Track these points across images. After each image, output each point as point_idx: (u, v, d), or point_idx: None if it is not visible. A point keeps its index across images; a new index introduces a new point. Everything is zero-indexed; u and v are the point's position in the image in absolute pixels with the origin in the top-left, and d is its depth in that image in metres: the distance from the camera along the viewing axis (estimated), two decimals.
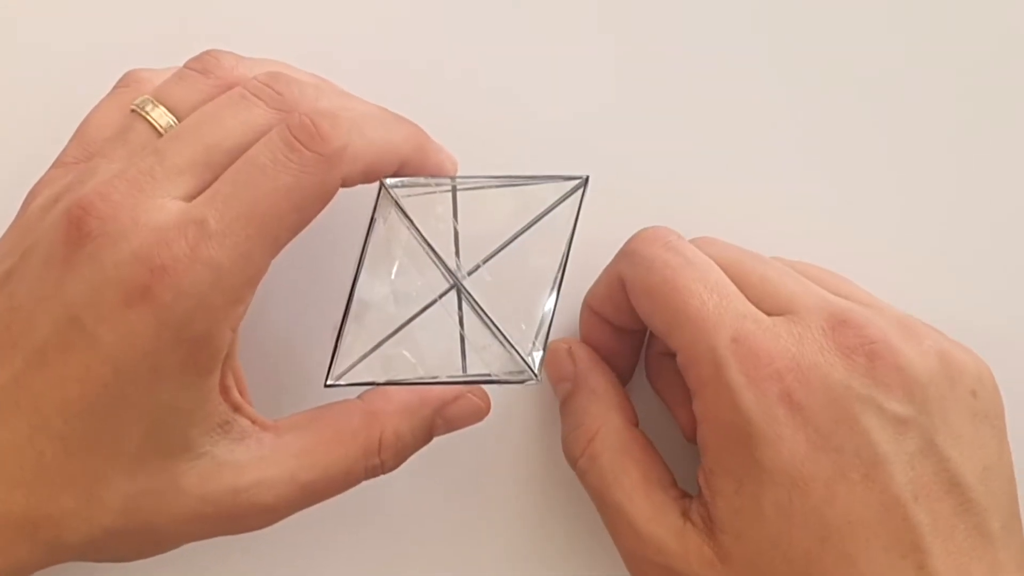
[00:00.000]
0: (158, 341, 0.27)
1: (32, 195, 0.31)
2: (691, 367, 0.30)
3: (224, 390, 0.29)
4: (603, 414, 0.33)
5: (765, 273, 0.31)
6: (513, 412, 0.37)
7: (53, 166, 0.31)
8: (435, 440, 0.33)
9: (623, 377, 0.35)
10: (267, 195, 0.27)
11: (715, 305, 0.30)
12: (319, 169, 0.28)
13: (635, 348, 0.35)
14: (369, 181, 0.30)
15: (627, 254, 0.32)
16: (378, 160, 0.30)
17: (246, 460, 0.29)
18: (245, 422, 0.30)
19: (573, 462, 0.33)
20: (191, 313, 0.27)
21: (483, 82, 0.38)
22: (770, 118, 0.38)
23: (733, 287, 0.31)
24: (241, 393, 0.30)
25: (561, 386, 0.35)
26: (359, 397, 0.32)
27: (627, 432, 0.33)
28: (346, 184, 0.29)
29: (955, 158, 0.38)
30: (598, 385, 0.34)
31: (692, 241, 0.33)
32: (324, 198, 0.29)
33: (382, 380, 0.31)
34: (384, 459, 0.31)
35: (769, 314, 0.30)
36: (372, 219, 0.30)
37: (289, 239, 0.28)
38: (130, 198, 0.27)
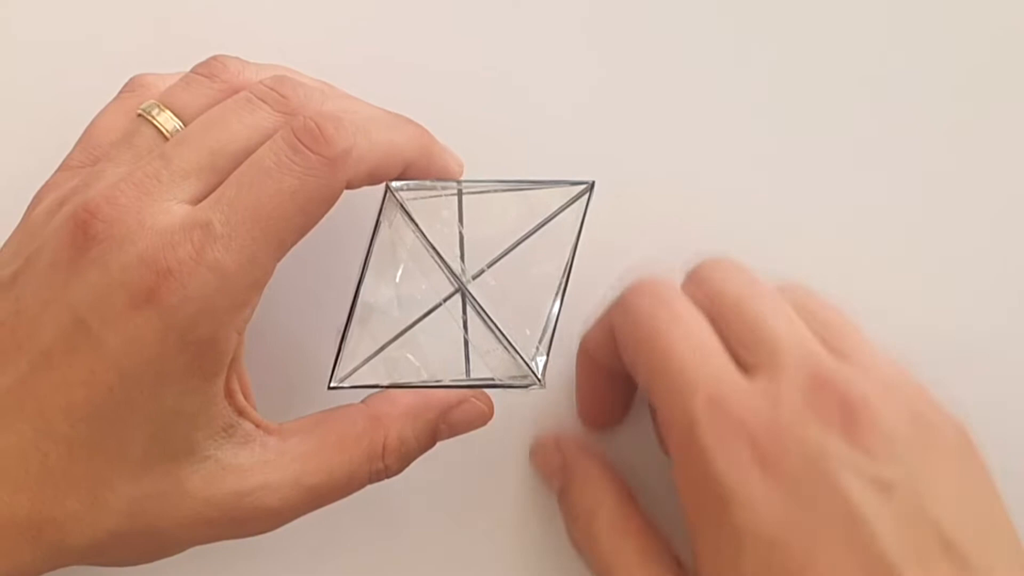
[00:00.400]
0: (163, 344, 0.27)
1: (37, 199, 0.31)
2: (668, 429, 0.30)
3: (229, 394, 0.29)
4: (597, 496, 0.33)
5: (758, 315, 0.30)
6: (516, 416, 0.37)
7: (58, 170, 0.31)
8: (438, 444, 0.33)
9: (616, 419, 0.35)
10: (272, 198, 0.27)
11: (695, 366, 0.29)
12: (323, 172, 0.28)
13: (629, 391, 0.35)
14: (375, 183, 0.30)
15: (619, 303, 0.32)
16: (383, 162, 0.30)
17: (250, 464, 0.29)
18: (249, 426, 0.30)
19: (578, 549, 0.33)
20: (197, 316, 0.27)
21: (484, 82, 0.38)
22: (775, 118, 0.38)
23: (716, 344, 0.30)
24: (246, 397, 0.30)
25: (554, 480, 0.35)
26: (363, 401, 0.32)
27: (622, 510, 0.32)
28: (351, 186, 0.29)
29: (955, 159, 0.38)
30: (588, 471, 0.34)
31: (698, 267, 0.32)
32: (329, 200, 0.29)
33: (386, 383, 0.31)
34: (388, 464, 0.31)
35: (752, 364, 0.29)
36: (377, 222, 0.30)
37: (295, 241, 0.28)
38: (136, 201, 0.27)
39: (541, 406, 0.37)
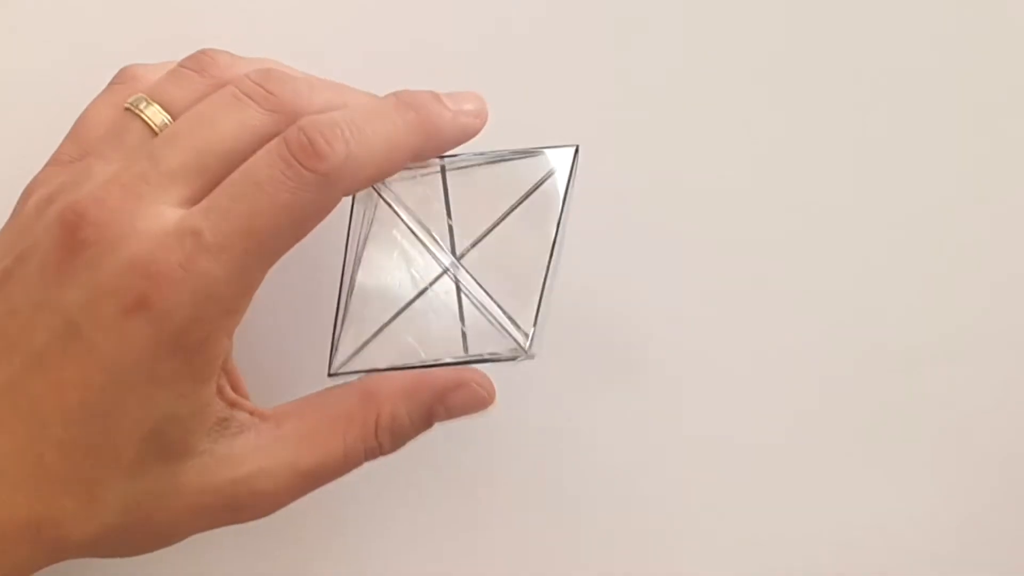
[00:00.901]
0: (155, 350, 0.27)
1: (27, 193, 0.30)
2: None
3: (218, 390, 0.29)
4: None
5: None
6: (512, 409, 0.37)
7: (48, 164, 0.31)
8: (434, 440, 0.33)
9: None
10: (264, 211, 0.27)
11: None
12: (318, 187, 0.27)
13: None
14: (384, 179, 0.30)
15: None
16: (384, 165, 0.29)
17: (244, 452, 0.29)
18: (243, 415, 0.30)
19: None
20: (187, 323, 0.27)
21: (477, 58, 0.38)
22: (767, 90, 0.38)
23: None
24: (236, 388, 0.30)
25: None
26: (359, 380, 0.32)
27: None
28: (353, 192, 0.29)
29: (955, 159, 0.38)
30: None
31: None
32: (323, 213, 0.28)
33: (384, 366, 0.31)
34: (381, 442, 0.31)
35: None
36: (352, 205, 0.30)
37: (287, 250, 0.28)
38: (125, 203, 0.27)
39: (537, 398, 0.37)
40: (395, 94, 0.30)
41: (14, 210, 0.31)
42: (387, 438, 0.31)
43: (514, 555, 0.37)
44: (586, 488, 0.37)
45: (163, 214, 0.27)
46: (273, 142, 0.28)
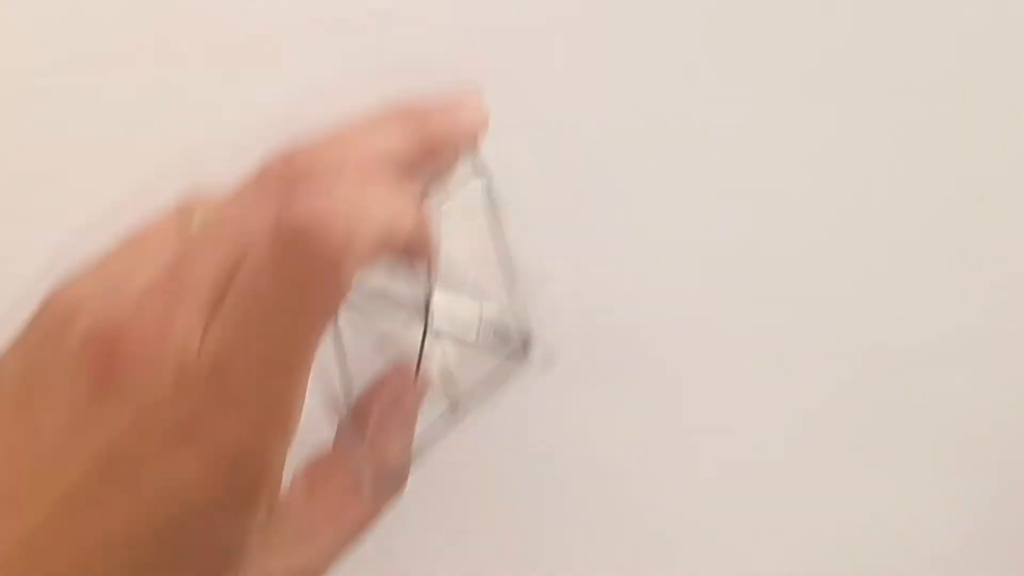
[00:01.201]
0: (206, 483, 0.25)
1: (53, 297, 0.28)
2: None
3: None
4: None
5: None
6: (513, 409, 0.37)
7: (87, 266, 0.29)
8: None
9: None
10: (276, 326, 0.25)
11: None
12: (325, 275, 0.25)
13: None
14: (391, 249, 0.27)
15: None
16: (388, 231, 0.26)
17: (289, 537, 0.29)
18: (281, 505, 0.29)
19: None
20: (238, 457, 0.26)
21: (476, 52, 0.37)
22: (768, 90, 0.38)
23: None
24: None
25: None
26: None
27: None
28: (365, 265, 0.26)
29: (953, 159, 0.38)
30: None
31: None
32: (339, 300, 0.26)
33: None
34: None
35: None
36: None
37: (315, 351, 0.26)
38: (158, 324, 0.25)
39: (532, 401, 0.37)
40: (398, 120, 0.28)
41: (35, 314, 0.28)
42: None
43: (513, 555, 0.37)
44: (586, 488, 0.37)
45: (197, 333, 0.26)
46: (265, 247, 0.25)
